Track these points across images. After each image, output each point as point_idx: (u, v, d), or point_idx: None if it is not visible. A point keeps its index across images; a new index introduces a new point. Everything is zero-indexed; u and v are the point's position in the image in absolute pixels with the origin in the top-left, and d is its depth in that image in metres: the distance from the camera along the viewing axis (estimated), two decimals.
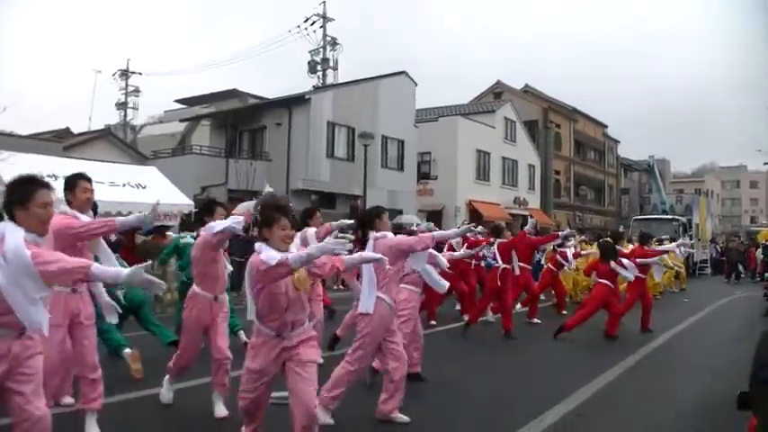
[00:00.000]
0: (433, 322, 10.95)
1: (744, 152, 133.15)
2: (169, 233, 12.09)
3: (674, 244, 13.95)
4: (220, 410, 5.32)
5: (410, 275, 6.12)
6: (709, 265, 29.57)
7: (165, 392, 5.68)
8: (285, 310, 3.98)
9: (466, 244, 10.81)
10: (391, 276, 5.29)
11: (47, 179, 3.61)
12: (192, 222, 10.33)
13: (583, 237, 15.91)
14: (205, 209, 6.17)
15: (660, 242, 19.92)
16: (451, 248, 10.68)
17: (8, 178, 11.80)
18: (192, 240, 7.36)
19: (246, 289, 4.08)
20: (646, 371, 7.89)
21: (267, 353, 4.03)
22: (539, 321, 11.70)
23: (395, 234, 5.69)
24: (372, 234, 5.42)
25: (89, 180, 4.94)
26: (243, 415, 4.26)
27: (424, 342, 7.03)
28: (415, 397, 6.02)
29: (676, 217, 29.03)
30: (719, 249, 31.23)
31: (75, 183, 4.83)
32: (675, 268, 18.35)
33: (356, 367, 5.29)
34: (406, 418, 5.31)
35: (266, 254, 3.83)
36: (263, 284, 3.91)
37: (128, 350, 6.26)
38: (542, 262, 15.05)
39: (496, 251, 10.45)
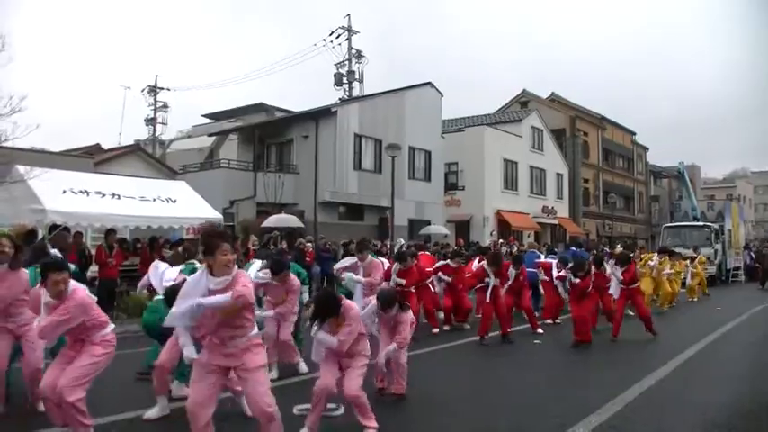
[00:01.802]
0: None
1: None
2: None
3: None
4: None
5: None
6: (742, 271, 29.10)
7: None
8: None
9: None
10: None
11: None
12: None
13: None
14: None
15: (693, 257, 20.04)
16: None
17: (42, 194, 11.97)
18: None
19: None
20: (678, 381, 7.75)
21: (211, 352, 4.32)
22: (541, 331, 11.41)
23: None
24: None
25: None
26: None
27: (450, 353, 7.04)
28: (444, 408, 5.98)
29: (708, 224, 28.62)
30: (753, 256, 30.71)
31: None
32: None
33: None
34: None
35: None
36: None
37: None
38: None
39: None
